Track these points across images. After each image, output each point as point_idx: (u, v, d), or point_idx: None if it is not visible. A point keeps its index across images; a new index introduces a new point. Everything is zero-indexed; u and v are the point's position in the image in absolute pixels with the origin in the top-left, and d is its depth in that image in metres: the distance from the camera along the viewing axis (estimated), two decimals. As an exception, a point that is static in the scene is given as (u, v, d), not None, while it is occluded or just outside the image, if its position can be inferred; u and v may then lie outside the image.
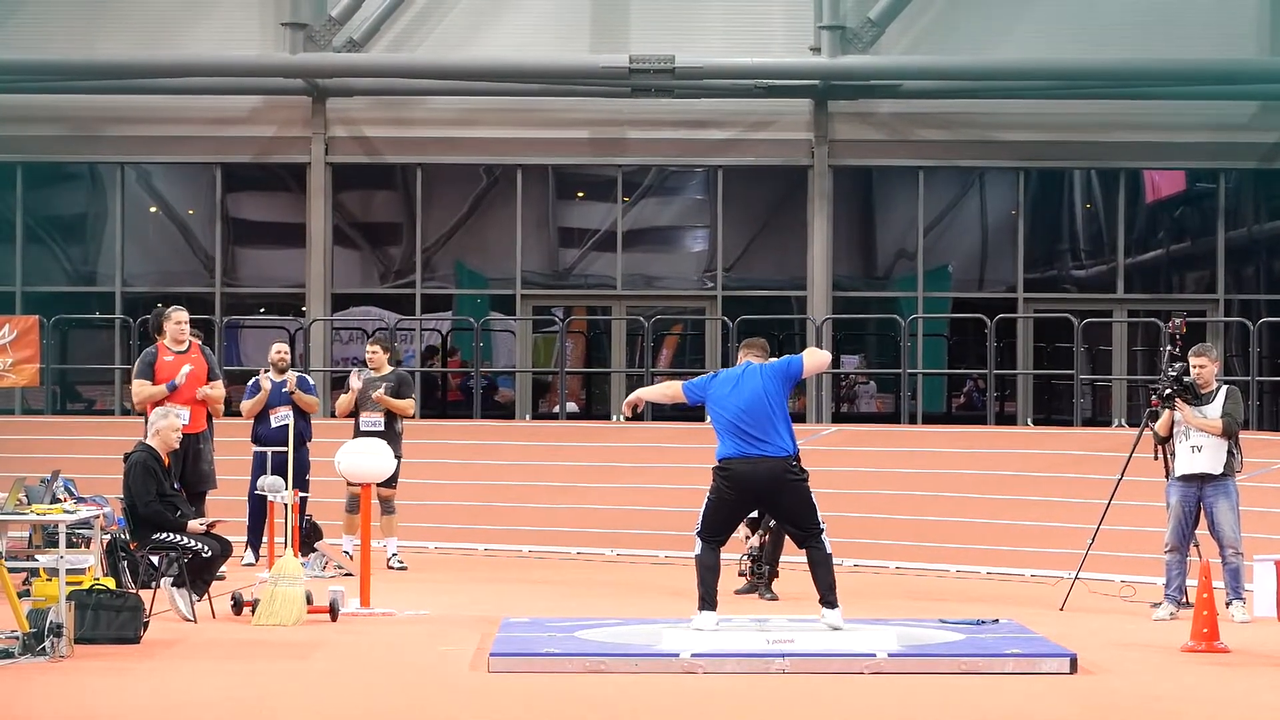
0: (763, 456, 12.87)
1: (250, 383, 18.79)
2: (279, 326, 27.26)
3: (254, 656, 12.66)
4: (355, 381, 18.62)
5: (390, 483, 18.10)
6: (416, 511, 20.45)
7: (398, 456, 18.24)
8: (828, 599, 12.83)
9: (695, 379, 13.48)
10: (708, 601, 12.83)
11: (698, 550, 13.01)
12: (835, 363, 26.93)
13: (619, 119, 26.88)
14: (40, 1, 26.86)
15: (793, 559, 16.79)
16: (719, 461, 13.05)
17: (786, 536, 15.99)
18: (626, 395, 14.32)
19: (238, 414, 18.97)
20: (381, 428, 18.35)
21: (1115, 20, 26.19)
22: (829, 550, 12.96)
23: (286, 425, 17.88)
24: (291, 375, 18.67)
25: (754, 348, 13.44)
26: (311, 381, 19.11)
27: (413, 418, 19.30)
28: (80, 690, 11.24)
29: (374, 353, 18.89)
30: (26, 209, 27.38)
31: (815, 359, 13.31)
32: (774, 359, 13.30)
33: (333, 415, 20.16)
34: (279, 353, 18.87)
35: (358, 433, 18.29)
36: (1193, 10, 26.23)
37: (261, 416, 18.54)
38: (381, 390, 18.54)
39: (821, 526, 12.94)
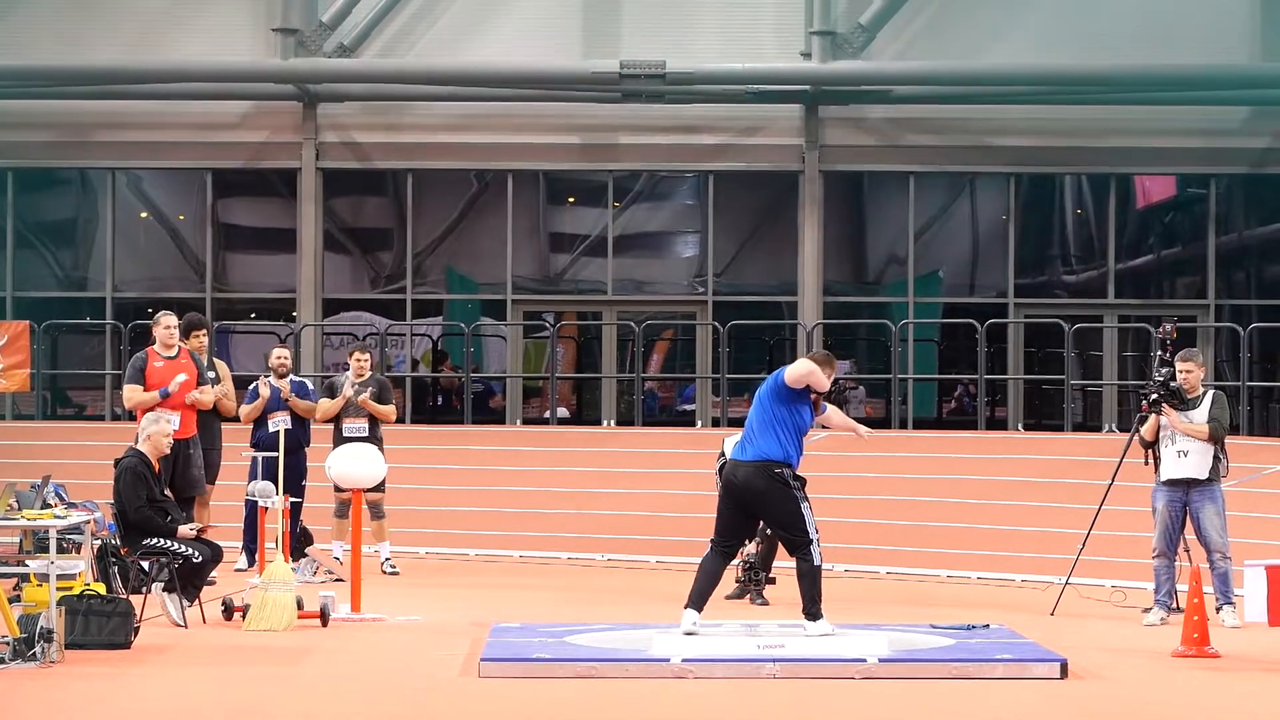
0: (742, 461, 12.93)
1: (250, 388, 18.81)
2: (270, 332, 27.24)
3: (244, 662, 12.66)
4: (349, 389, 18.60)
5: (378, 487, 18.14)
6: (408, 517, 20.46)
7: (380, 461, 18.31)
8: (810, 611, 12.81)
9: None
10: (693, 601, 12.84)
11: (705, 553, 13.08)
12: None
13: (610, 124, 26.87)
14: (30, 6, 26.85)
15: (788, 564, 16.81)
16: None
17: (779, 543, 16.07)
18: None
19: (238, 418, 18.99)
20: (365, 434, 18.37)
21: (1106, 26, 26.21)
22: (817, 562, 12.85)
23: (282, 430, 17.92)
24: (285, 382, 18.66)
25: (814, 359, 13.36)
26: (310, 386, 19.12)
27: (392, 422, 19.27)
28: (71, 696, 11.23)
29: (365, 360, 18.86)
30: (17, 214, 27.36)
31: (794, 369, 12.95)
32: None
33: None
34: (279, 358, 18.86)
35: (339, 439, 18.30)
36: (1184, 16, 26.25)
37: (260, 421, 18.56)
38: (366, 395, 18.56)
39: (811, 538, 12.85)
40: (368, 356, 18.96)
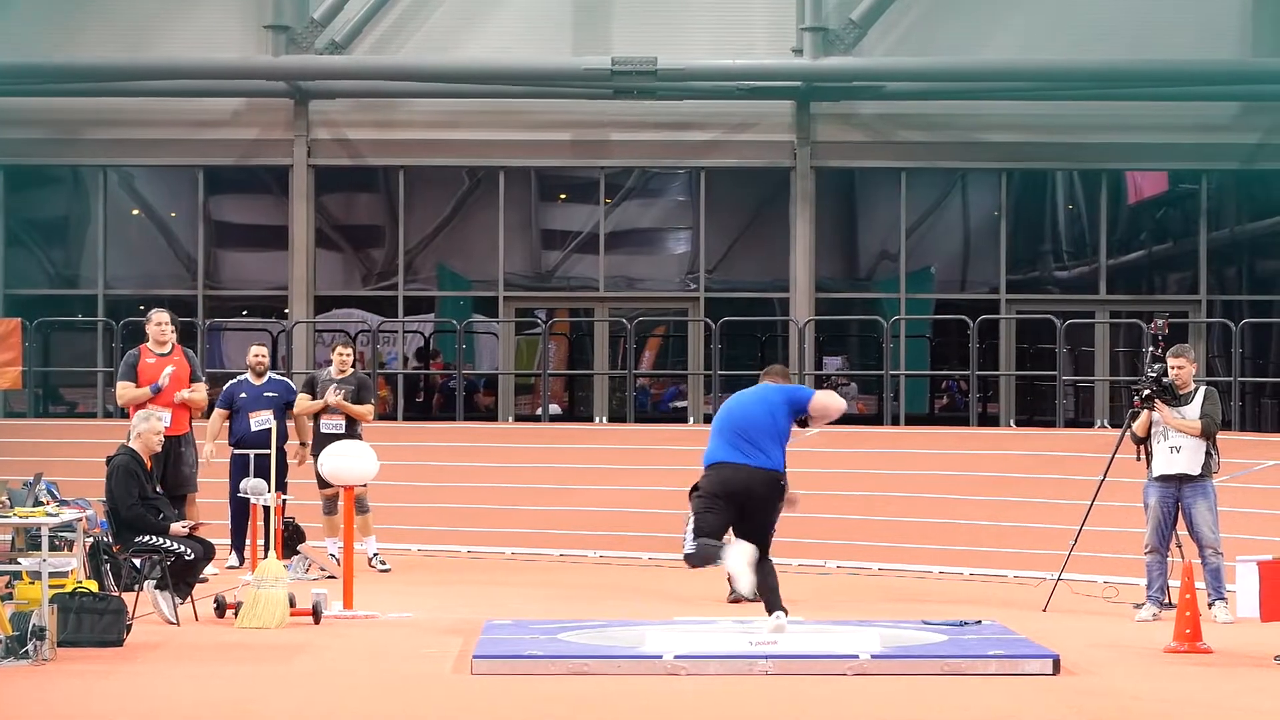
0: (754, 466, 12.80)
1: (227, 386, 18.74)
2: (261, 329, 27.23)
3: (237, 659, 12.66)
4: (333, 397, 18.47)
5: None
6: (400, 514, 20.45)
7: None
8: (780, 603, 12.74)
9: None
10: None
11: (693, 545, 12.83)
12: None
13: (601, 121, 26.87)
14: (22, 3, 26.80)
15: (785, 560, 16.83)
16: (709, 464, 12.97)
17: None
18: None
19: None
20: (342, 430, 18.34)
21: (1097, 21, 26.22)
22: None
23: (268, 429, 17.87)
24: (333, 397, 18.51)
25: (774, 374, 13.48)
26: (294, 386, 19.08)
27: (370, 421, 19.09)
28: (63, 694, 11.22)
29: (346, 355, 18.81)
30: (8, 211, 27.34)
31: (825, 400, 13.16)
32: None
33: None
34: (257, 355, 18.83)
35: (317, 434, 18.31)
36: (1175, 11, 26.26)
37: (241, 419, 18.50)
38: (342, 395, 18.48)
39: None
40: (349, 352, 18.89)
